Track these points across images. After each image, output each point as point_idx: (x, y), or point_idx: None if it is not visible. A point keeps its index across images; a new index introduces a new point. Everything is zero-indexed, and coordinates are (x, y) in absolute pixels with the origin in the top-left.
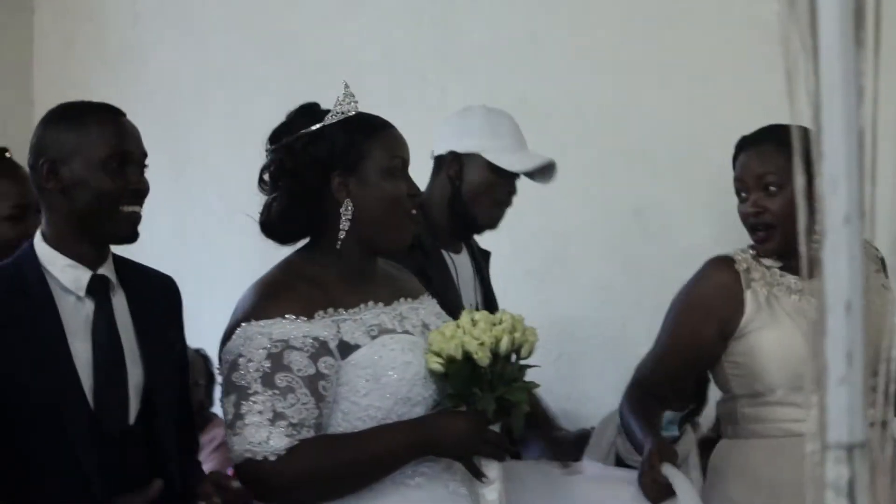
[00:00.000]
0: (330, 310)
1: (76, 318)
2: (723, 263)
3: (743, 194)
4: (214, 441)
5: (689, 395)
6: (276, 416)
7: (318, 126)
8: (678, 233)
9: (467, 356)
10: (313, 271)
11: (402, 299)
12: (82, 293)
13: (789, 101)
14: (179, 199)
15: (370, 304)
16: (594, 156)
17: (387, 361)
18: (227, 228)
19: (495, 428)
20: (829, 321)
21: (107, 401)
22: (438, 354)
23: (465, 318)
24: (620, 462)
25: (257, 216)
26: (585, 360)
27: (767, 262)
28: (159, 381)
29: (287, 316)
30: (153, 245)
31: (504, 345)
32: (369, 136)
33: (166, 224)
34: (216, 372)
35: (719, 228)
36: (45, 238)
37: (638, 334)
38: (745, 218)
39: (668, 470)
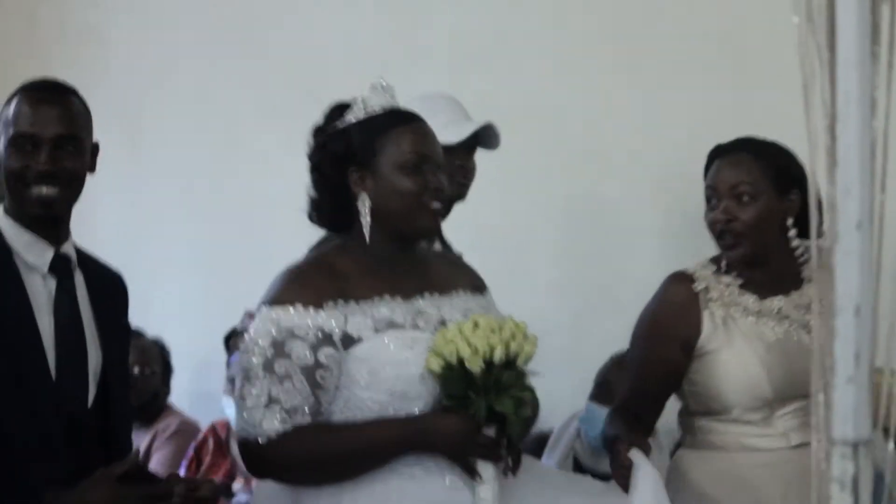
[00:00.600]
0: (341, 301)
1: (40, 293)
2: (680, 282)
3: (713, 201)
4: (169, 429)
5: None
6: (271, 401)
7: (341, 125)
8: (635, 233)
9: (461, 361)
10: (340, 261)
11: (425, 293)
12: (45, 269)
13: (805, 111)
14: (133, 180)
15: (386, 297)
16: (554, 155)
17: (385, 357)
18: (179, 213)
19: (490, 431)
20: (839, 323)
21: (68, 378)
22: (438, 355)
23: (468, 322)
24: (578, 465)
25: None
26: (542, 360)
27: (727, 279)
28: (114, 366)
29: (297, 304)
30: (105, 226)
31: (497, 354)
32: (384, 132)
33: (118, 204)
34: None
35: (677, 230)
36: (7, 212)
37: (594, 334)
38: (713, 224)
39: (635, 454)
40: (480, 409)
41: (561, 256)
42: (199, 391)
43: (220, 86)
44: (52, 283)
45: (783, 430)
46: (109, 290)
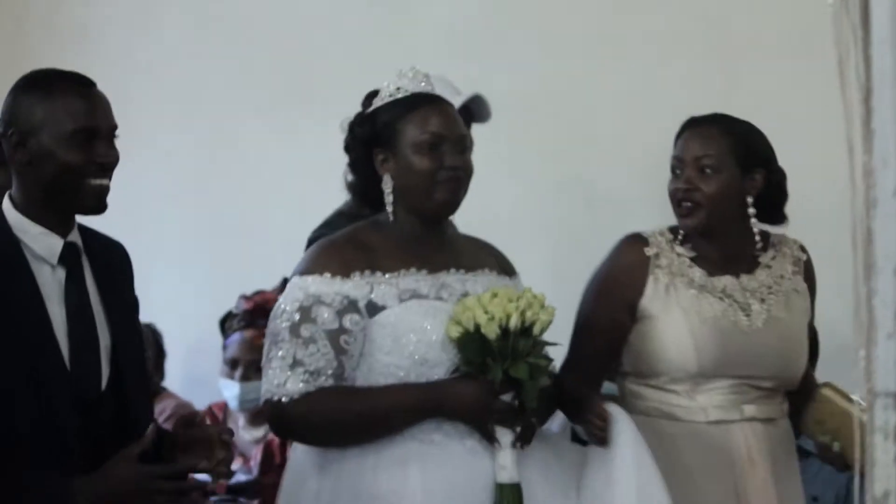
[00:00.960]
0: (367, 272)
1: (50, 284)
2: (633, 245)
3: (678, 171)
4: (165, 412)
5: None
6: (295, 363)
7: (368, 110)
8: (628, 216)
9: (478, 328)
10: (369, 237)
11: (451, 269)
12: (55, 261)
13: (841, 86)
14: (127, 177)
15: (412, 270)
16: (545, 140)
17: (408, 324)
18: (173, 200)
19: (507, 397)
20: (878, 282)
21: (83, 366)
22: (457, 322)
23: (489, 291)
24: (576, 438)
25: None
26: None
27: (680, 249)
28: (125, 344)
29: (325, 274)
30: (100, 222)
31: (513, 321)
32: (404, 114)
33: (113, 202)
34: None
35: (669, 215)
36: (15, 204)
37: None
38: (674, 193)
39: (612, 407)
40: (497, 374)
41: (552, 241)
42: (192, 376)
43: (210, 78)
44: (61, 274)
45: (703, 405)
46: (114, 265)
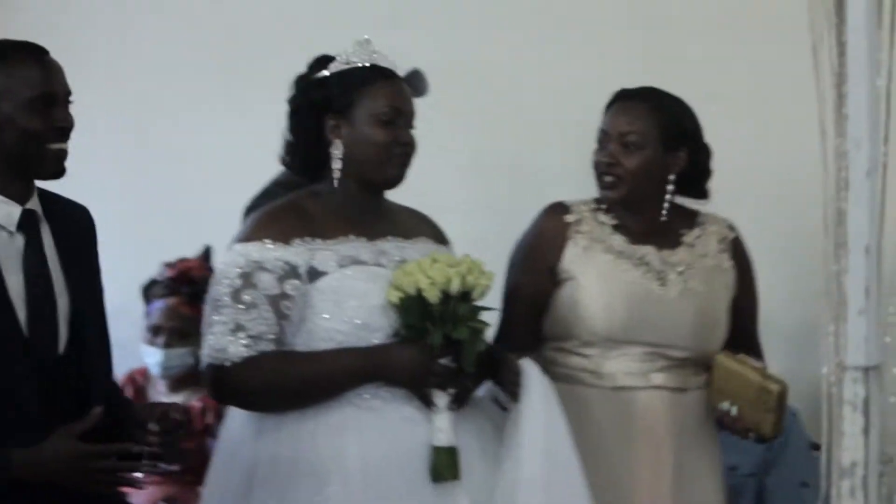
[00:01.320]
0: (307, 239)
1: (8, 252)
2: (554, 212)
3: (603, 143)
4: None
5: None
6: (238, 328)
7: (322, 74)
8: (551, 188)
9: (419, 292)
10: (309, 204)
11: (389, 237)
12: (13, 228)
13: (814, 71)
14: None
15: (351, 237)
16: (469, 112)
17: (348, 289)
18: (100, 163)
19: (445, 360)
20: (851, 261)
21: (40, 331)
22: (398, 287)
23: (428, 257)
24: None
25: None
26: None
27: (603, 217)
28: (85, 309)
29: (266, 241)
30: None
31: (454, 285)
32: (363, 84)
33: None
34: None
35: (593, 190)
36: None
37: None
38: (597, 164)
39: (525, 363)
40: (437, 338)
41: (476, 214)
42: (113, 340)
43: (145, 41)
44: (20, 240)
45: (611, 370)
46: (77, 230)
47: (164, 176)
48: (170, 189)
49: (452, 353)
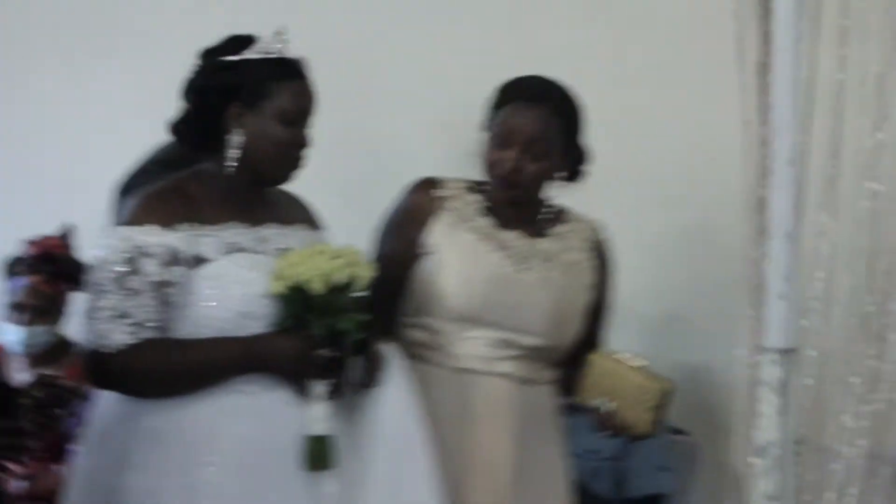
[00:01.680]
0: (191, 224)
1: None
2: (424, 185)
3: (504, 144)
4: None
5: None
6: (121, 315)
7: (237, 57)
8: (412, 170)
9: (303, 283)
10: (193, 188)
11: (270, 224)
12: None
13: (738, 62)
14: None
15: (235, 223)
16: (331, 94)
17: (232, 277)
18: None
19: (325, 351)
20: (773, 246)
21: None
22: (282, 278)
23: (312, 248)
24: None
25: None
26: None
27: (474, 197)
28: None
29: (148, 225)
30: None
31: (337, 277)
32: (277, 79)
33: None
34: None
35: (454, 169)
36: None
37: None
38: (495, 166)
39: (385, 348)
40: (318, 328)
41: (334, 193)
42: None
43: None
44: None
45: (458, 352)
46: None
47: (25, 152)
48: (31, 165)
49: (333, 344)
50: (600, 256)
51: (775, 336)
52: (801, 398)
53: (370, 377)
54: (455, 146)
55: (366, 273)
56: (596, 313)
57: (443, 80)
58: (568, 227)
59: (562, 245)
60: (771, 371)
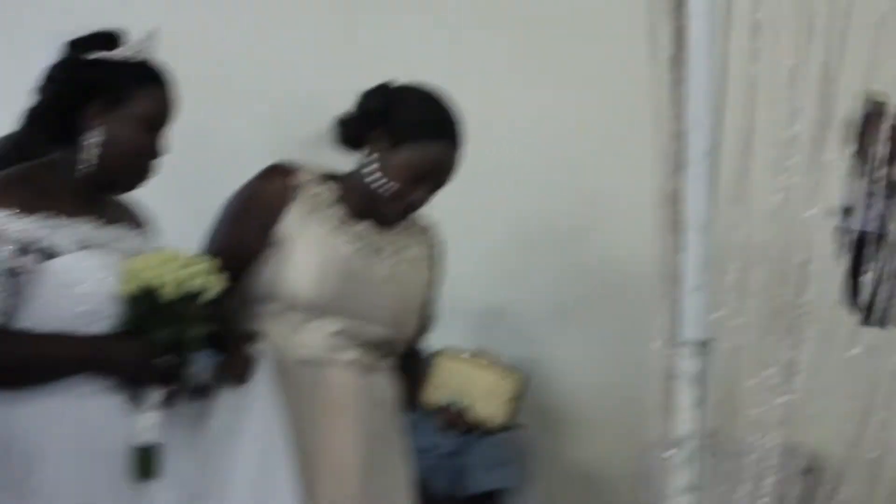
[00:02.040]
0: (46, 214)
1: None
2: (278, 171)
3: (418, 177)
4: None
5: None
6: None
7: (105, 54)
8: (241, 162)
9: (152, 288)
10: (47, 179)
11: (119, 223)
12: None
13: (650, 59)
14: None
15: (88, 218)
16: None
17: (83, 273)
18: None
19: (167, 358)
20: (688, 238)
21: None
22: (133, 279)
23: (165, 253)
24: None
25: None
26: None
27: (328, 187)
28: None
29: (7, 210)
30: None
31: (190, 285)
32: (145, 84)
33: None
34: None
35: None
36: None
37: None
38: (400, 196)
39: (258, 353)
40: (165, 335)
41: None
42: None
43: None
44: None
45: (302, 342)
46: None
47: None
48: None
49: (176, 351)
50: (435, 258)
51: (690, 328)
52: (715, 390)
53: (230, 379)
54: (285, 142)
55: (216, 284)
56: (424, 309)
57: (277, 76)
58: (411, 222)
59: (406, 240)
60: (687, 363)
